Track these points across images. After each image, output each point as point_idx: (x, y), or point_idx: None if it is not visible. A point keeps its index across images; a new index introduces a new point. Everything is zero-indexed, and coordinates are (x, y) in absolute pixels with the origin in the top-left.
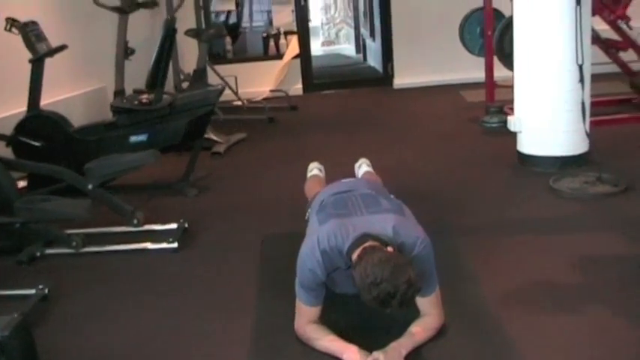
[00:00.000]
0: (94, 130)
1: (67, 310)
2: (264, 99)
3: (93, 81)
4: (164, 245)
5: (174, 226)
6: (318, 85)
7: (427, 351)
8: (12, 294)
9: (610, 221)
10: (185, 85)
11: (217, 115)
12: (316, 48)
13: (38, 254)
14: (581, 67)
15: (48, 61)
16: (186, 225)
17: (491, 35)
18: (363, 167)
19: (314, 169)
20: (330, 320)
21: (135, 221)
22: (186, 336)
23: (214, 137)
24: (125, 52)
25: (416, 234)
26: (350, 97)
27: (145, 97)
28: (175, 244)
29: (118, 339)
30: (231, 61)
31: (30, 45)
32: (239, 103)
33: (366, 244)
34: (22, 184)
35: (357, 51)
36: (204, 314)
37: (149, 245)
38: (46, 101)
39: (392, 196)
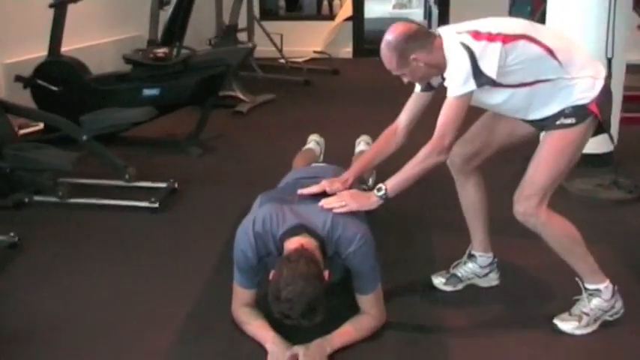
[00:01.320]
0: (109, 80)
1: (30, 260)
2: (307, 60)
3: (129, 29)
4: (145, 204)
5: (163, 185)
6: (369, 51)
7: (357, 352)
8: None
9: (610, 232)
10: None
11: (256, 72)
12: (386, 10)
13: (26, 200)
14: (610, 61)
15: (84, 6)
16: (176, 185)
17: (537, 14)
18: (360, 146)
19: (311, 141)
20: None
21: (126, 176)
22: (129, 301)
23: (240, 95)
24: (160, 2)
25: (355, 230)
26: None
27: (161, 52)
28: (156, 205)
29: (68, 296)
30: (282, 18)
31: None
32: (283, 61)
33: (296, 241)
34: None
35: (425, 16)
36: (156, 280)
37: (131, 202)
38: (78, 45)
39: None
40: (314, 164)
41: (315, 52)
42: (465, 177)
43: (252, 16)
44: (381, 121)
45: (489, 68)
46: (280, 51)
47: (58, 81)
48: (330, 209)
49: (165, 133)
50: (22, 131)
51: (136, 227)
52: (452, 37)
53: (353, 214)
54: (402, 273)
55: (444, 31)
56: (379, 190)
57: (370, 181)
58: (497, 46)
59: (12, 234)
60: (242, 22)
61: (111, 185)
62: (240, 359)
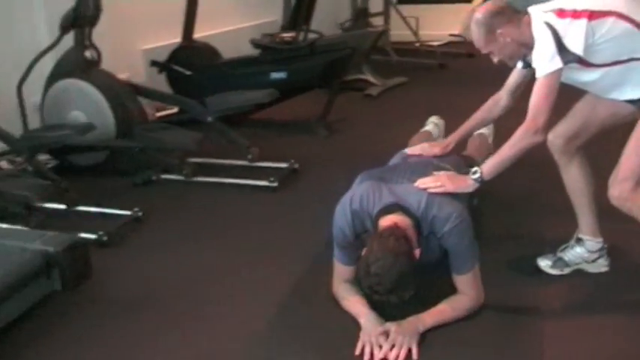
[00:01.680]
0: (239, 63)
1: (151, 234)
2: (442, 44)
3: (266, 14)
4: (265, 183)
5: (284, 165)
6: None
7: (451, 331)
8: (109, 212)
9: None
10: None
11: (390, 56)
12: None
13: (154, 178)
14: None
15: None
16: (297, 166)
17: None
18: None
19: (430, 123)
20: None
21: (249, 156)
22: (238, 273)
23: (371, 79)
24: None
25: (450, 209)
26: None
27: (288, 36)
28: (275, 184)
29: (183, 267)
30: (419, 1)
31: None
32: (418, 45)
33: (390, 219)
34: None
35: None
36: (266, 255)
37: (251, 182)
38: (215, 31)
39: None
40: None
41: (451, 35)
42: (567, 158)
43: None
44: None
45: (574, 45)
46: (415, 34)
47: (191, 65)
48: (426, 189)
49: (294, 115)
50: (158, 114)
51: (253, 205)
52: (538, 16)
53: (452, 194)
54: (507, 254)
55: (532, 10)
56: (475, 172)
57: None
58: (583, 22)
59: (136, 209)
60: (379, 6)
61: (234, 165)
62: (335, 332)
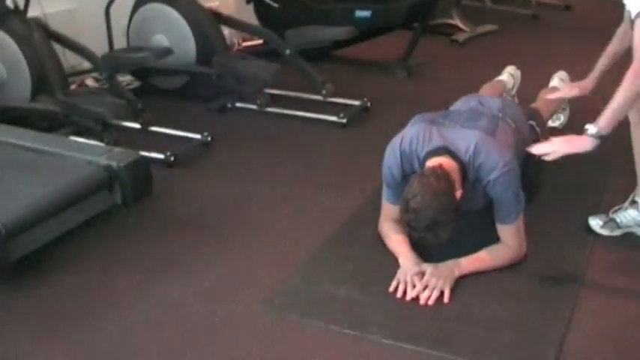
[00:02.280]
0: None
1: (217, 158)
2: None
3: None
4: (334, 119)
5: (357, 102)
6: None
7: (487, 279)
8: (180, 135)
9: None
10: None
11: (484, 2)
12: None
13: (229, 105)
14: None
15: None
16: (369, 104)
17: None
18: (554, 81)
19: (505, 73)
20: None
21: (323, 92)
22: (294, 204)
23: (459, 24)
24: None
25: (498, 157)
26: None
27: None
28: (344, 120)
29: (242, 193)
30: None
31: None
32: None
33: (437, 161)
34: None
35: None
36: (324, 189)
37: (321, 116)
38: None
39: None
40: (489, 96)
41: None
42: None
43: None
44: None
45: None
46: None
47: None
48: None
49: (376, 55)
50: (244, 43)
51: (320, 139)
52: None
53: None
54: (561, 209)
55: None
56: (590, 129)
57: (562, 119)
58: None
59: (206, 133)
60: None
61: (308, 99)
62: (374, 268)
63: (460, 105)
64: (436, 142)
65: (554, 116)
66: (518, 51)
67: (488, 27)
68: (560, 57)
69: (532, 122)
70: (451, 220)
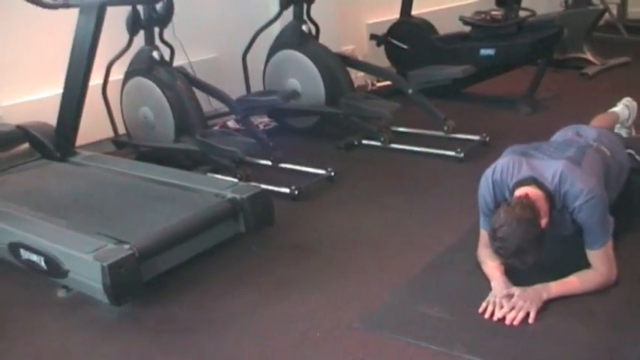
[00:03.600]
0: (451, 39)
1: (338, 191)
2: None
3: None
4: (452, 153)
5: (476, 137)
6: None
7: (575, 303)
8: (306, 170)
9: None
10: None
11: (621, 33)
12: None
13: (356, 143)
14: None
15: None
16: (487, 139)
17: None
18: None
19: (620, 104)
20: None
21: (445, 128)
22: (402, 231)
23: (590, 57)
24: None
25: (582, 185)
26: None
27: (497, 13)
28: (461, 155)
29: (357, 221)
30: None
31: None
32: None
33: (524, 190)
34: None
35: None
36: (432, 217)
37: (441, 151)
38: (433, 8)
39: (607, 151)
40: (585, 126)
41: None
42: None
43: None
44: None
45: None
46: None
47: (408, 39)
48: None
49: (502, 91)
50: (379, 84)
51: (437, 174)
52: None
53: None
54: None
55: None
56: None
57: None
58: None
59: (330, 169)
60: None
61: (431, 135)
62: (470, 291)
63: (559, 135)
64: (524, 172)
65: None
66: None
67: (621, 59)
68: None
69: (631, 151)
70: (536, 248)
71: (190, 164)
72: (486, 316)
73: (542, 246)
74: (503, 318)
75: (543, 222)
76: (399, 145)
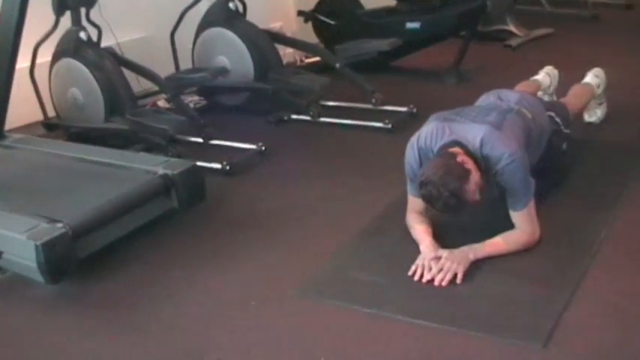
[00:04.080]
0: (378, 13)
1: (270, 166)
2: None
3: None
4: (380, 125)
5: (403, 109)
6: None
7: (501, 262)
8: (237, 146)
9: None
10: None
11: (543, 6)
12: None
13: (285, 118)
14: None
15: None
16: (415, 110)
17: None
18: (587, 77)
19: (541, 72)
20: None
21: (373, 100)
22: (333, 202)
23: (513, 29)
24: None
25: (503, 149)
26: None
27: None
28: (389, 126)
29: (288, 193)
30: None
31: None
32: None
33: (451, 149)
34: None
35: None
36: (362, 188)
37: (369, 123)
38: None
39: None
40: (506, 90)
41: None
42: None
43: None
44: None
45: None
46: None
47: (335, 15)
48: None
49: (428, 63)
50: (307, 60)
51: (367, 145)
52: None
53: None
54: (582, 195)
55: None
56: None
57: (599, 114)
58: None
59: (260, 144)
60: None
61: (359, 108)
62: (398, 255)
63: (482, 100)
64: (448, 137)
65: (591, 111)
66: (572, 52)
67: (544, 30)
68: (615, 57)
69: (551, 113)
70: (466, 195)
71: (122, 144)
72: (415, 278)
73: (472, 192)
74: (433, 280)
75: (474, 172)
76: (329, 118)
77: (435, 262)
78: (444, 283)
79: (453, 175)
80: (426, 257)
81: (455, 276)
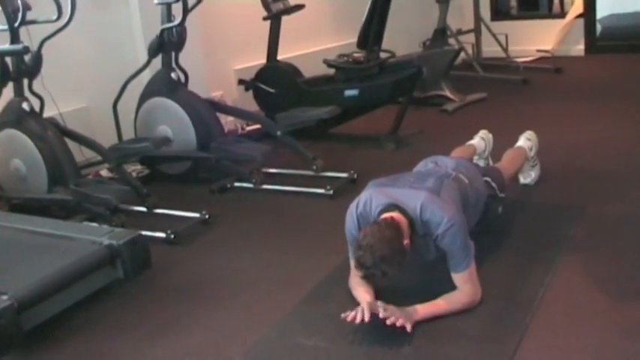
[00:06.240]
0: (317, 82)
1: (214, 233)
2: (530, 60)
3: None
4: (322, 191)
5: (344, 175)
6: (604, 48)
7: (443, 323)
8: (181, 215)
9: None
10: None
11: (477, 71)
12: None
13: (228, 185)
14: None
15: (311, 16)
16: (355, 176)
17: None
18: (519, 141)
19: (476, 137)
20: None
21: (314, 167)
22: (277, 269)
23: (449, 94)
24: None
25: (443, 214)
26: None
27: (360, 56)
28: (331, 192)
29: (234, 261)
30: (513, 18)
31: (265, 4)
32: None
33: (388, 214)
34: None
35: None
36: (306, 254)
37: (311, 189)
38: (300, 52)
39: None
40: (442, 157)
41: (538, 50)
42: None
43: (478, 17)
44: (595, 119)
45: None
46: (505, 50)
47: (275, 83)
48: (422, 195)
49: (368, 130)
50: (248, 128)
51: (309, 211)
52: None
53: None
54: (521, 254)
55: None
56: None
57: (533, 175)
58: None
59: (204, 212)
60: (470, 24)
61: (301, 175)
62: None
63: (420, 166)
64: (386, 200)
65: (525, 173)
66: (506, 116)
67: (478, 95)
68: (546, 119)
69: (487, 178)
70: (397, 260)
71: (65, 214)
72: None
73: (403, 260)
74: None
75: (406, 242)
76: (271, 185)
77: (382, 307)
78: (398, 324)
79: (383, 242)
80: (365, 307)
81: (403, 325)
